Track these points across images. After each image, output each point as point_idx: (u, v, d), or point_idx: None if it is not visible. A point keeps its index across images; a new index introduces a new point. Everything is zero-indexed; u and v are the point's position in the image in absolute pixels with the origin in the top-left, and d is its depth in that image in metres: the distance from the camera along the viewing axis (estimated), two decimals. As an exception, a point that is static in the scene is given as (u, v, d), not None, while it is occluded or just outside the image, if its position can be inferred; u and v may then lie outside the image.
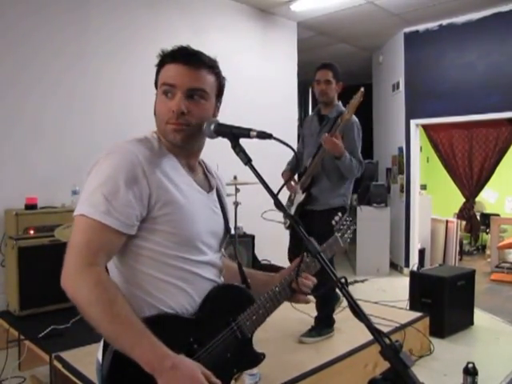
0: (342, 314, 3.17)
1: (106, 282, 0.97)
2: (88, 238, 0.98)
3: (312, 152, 2.96)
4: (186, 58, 1.12)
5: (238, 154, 1.10)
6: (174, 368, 0.91)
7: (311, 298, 2.47)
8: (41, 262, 3.27)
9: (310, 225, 2.74)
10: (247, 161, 1.09)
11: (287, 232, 5.70)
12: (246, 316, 1.16)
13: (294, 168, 3.21)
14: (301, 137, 3.26)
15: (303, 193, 2.98)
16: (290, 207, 3.12)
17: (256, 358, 1.22)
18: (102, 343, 1.04)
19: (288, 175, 3.16)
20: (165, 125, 1.11)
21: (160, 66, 1.14)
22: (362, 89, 2.78)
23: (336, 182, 2.94)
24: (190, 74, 1.11)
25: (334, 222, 1.43)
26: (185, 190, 1.10)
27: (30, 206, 3.46)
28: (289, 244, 3.28)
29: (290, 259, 3.16)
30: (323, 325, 3.06)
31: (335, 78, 2.98)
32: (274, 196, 1.07)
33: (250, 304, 1.17)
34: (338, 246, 1.39)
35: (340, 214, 1.49)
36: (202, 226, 1.13)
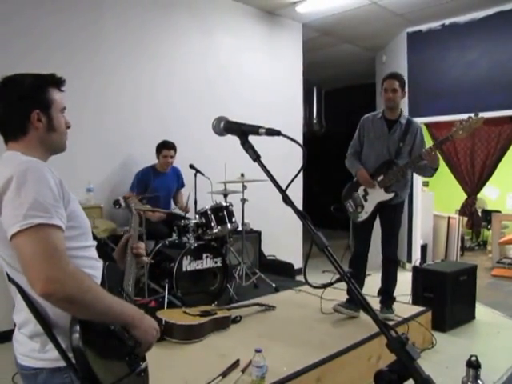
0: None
1: (82, 272, 1.11)
2: (51, 240, 1.06)
3: (382, 154, 3.30)
4: (63, 85, 1.29)
5: (246, 150, 1.12)
6: (145, 315, 1.23)
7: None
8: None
9: (391, 216, 3.37)
10: (256, 157, 1.11)
11: (293, 228, 5.78)
12: (126, 283, 1.39)
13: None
14: (359, 135, 3.45)
15: (387, 192, 3.27)
16: (359, 200, 3.41)
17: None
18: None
19: (366, 172, 3.34)
20: (64, 136, 1.30)
21: (46, 87, 1.24)
22: (483, 117, 2.96)
23: (408, 179, 3.42)
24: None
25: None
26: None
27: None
28: (360, 237, 3.57)
29: (359, 260, 3.57)
30: (392, 300, 3.45)
31: (401, 86, 3.29)
32: (283, 192, 1.08)
33: (121, 273, 1.41)
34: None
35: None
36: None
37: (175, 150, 4.17)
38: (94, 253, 1.27)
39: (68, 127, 1.30)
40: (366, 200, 3.38)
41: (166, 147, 4.11)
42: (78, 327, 1.07)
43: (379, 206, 3.32)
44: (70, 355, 1.09)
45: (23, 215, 1.04)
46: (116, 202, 2.52)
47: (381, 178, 3.29)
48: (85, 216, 1.26)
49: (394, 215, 3.39)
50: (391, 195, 3.26)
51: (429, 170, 3.20)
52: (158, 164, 4.21)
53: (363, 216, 3.39)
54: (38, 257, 1.03)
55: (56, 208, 1.09)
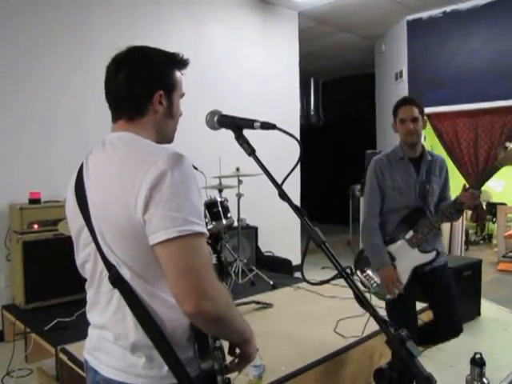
0: (347, 304, 3.17)
1: (225, 288, 1.06)
2: (206, 253, 0.96)
3: (413, 201, 2.48)
4: (185, 68, 1.17)
5: (241, 145, 1.11)
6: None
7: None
8: (45, 256, 3.30)
9: (442, 282, 2.48)
10: (251, 151, 1.09)
11: (290, 224, 5.66)
12: None
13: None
14: (379, 187, 2.53)
15: (423, 251, 2.44)
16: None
17: None
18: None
19: (393, 271, 2.43)
20: (177, 125, 1.18)
21: (174, 68, 1.13)
22: None
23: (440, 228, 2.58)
24: None
25: None
26: None
27: (34, 201, 3.48)
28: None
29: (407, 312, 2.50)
30: None
31: (421, 113, 2.51)
32: (279, 186, 1.07)
33: None
34: None
35: None
36: None
37: None
38: None
39: (180, 115, 1.18)
40: (394, 267, 2.46)
41: None
42: (200, 346, 1.03)
43: (415, 273, 2.45)
44: (188, 369, 1.00)
45: (183, 219, 0.91)
46: None
47: (410, 234, 2.46)
48: None
49: (446, 279, 2.52)
50: (432, 255, 2.41)
51: (460, 213, 2.50)
52: None
53: (395, 291, 2.44)
54: (194, 270, 0.91)
55: (203, 215, 1.00)
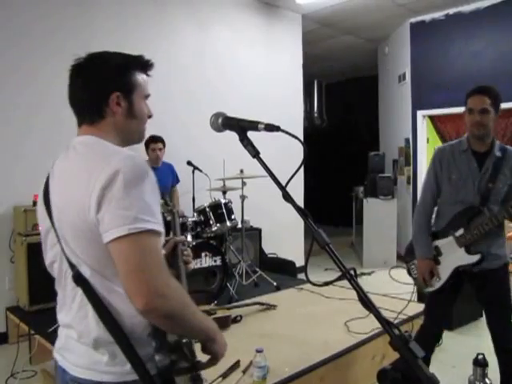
0: (350, 306, 3.17)
1: (181, 286, 1.04)
2: (158, 250, 0.98)
3: (468, 201, 2.35)
4: (150, 69, 1.19)
5: (245, 146, 1.11)
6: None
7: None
8: (50, 258, 3.30)
9: (493, 287, 2.37)
10: (255, 153, 1.10)
11: (294, 225, 5.65)
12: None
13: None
14: (436, 176, 2.46)
15: (469, 252, 2.35)
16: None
17: None
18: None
19: (429, 265, 2.42)
20: (143, 126, 1.18)
21: (132, 69, 1.13)
22: None
23: (502, 230, 2.45)
24: None
25: None
26: None
27: (38, 203, 3.49)
28: (432, 312, 2.52)
29: (429, 341, 2.46)
30: None
31: (493, 105, 2.31)
32: (283, 188, 1.07)
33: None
34: None
35: None
36: None
37: (163, 142, 4.19)
38: None
39: (149, 116, 1.18)
40: (438, 262, 2.44)
41: (152, 141, 4.15)
42: (159, 340, 1.02)
43: (458, 272, 2.39)
44: (149, 366, 1.01)
45: (133, 217, 0.93)
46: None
47: (460, 232, 2.35)
48: None
49: (498, 285, 2.38)
50: (475, 258, 2.32)
51: None
52: (148, 160, 4.23)
53: (435, 284, 2.43)
54: (145, 268, 0.93)
55: (159, 213, 0.99)
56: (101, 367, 1.03)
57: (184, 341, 1.07)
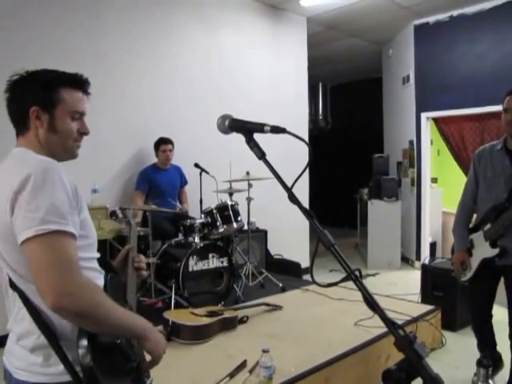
0: (355, 307, 3.21)
1: (95, 285, 1.07)
2: (67, 250, 1.01)
3: (501, 194, 2.44)
4: (87, 88, 1.24)
5: (252, 148, 1.12)
6: (153, 328, 1.19)
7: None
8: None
9: (509, 284, 2.51)
10: (261, 155, 1.11)
11: (299, 227, 5.69)
12: (129, 295, 1.32)
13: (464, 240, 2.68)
14: (475, 174, 2.62)
15: (493, 246, 2.49)
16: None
17: None
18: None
19: (461, 256, 2.64)
20: (72, 142, 1.19)
21: (56, 85, 1.17)
22: None
23: None
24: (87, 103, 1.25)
25: None
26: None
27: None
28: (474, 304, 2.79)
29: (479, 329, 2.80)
30: None
31: None
32: (289, 189, 1.08)
33: (123, 285, 1.33)
34: None
35: None
36: None
37: (172, 144, 4.24)
38: (97, 264, 1.21)
39: (83, 133, 1.21)
40: (471, 254, 2.63)
41: (163, 142, 4.20)
42: (86, 342, 1.02)
43: (485, 264, 2.54)
44: (78, 369, 1.03)
45: (40, 219, 0.98)
46: (112, 214, 2.47)
47: (487, 227, 2.51)
48: (93, 225, 1.20)
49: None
50: (495, 251, 2.47)
51: None
52: (158, 161, 4.28)
53: (467, 274, 2.64)
54: (52, 267, 0.97)
55: (71, 215, 1.04)
56: (36, 368, 1.07)
57: (118, 341, 1.09)
